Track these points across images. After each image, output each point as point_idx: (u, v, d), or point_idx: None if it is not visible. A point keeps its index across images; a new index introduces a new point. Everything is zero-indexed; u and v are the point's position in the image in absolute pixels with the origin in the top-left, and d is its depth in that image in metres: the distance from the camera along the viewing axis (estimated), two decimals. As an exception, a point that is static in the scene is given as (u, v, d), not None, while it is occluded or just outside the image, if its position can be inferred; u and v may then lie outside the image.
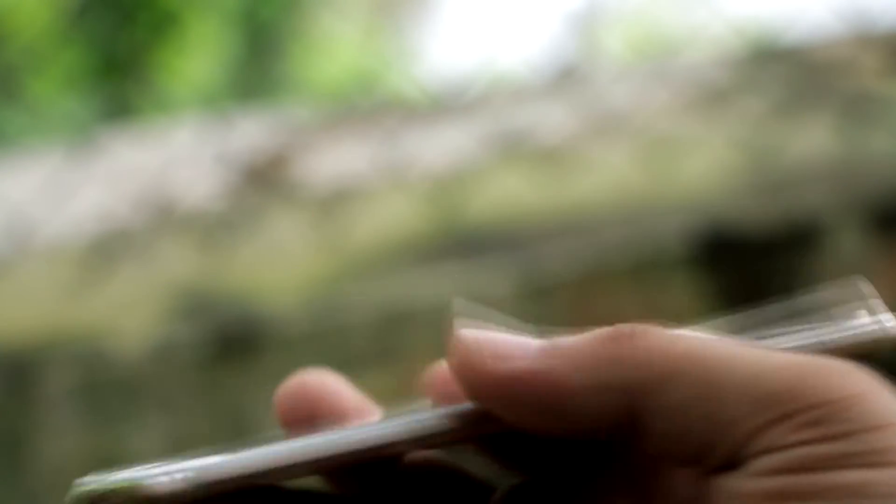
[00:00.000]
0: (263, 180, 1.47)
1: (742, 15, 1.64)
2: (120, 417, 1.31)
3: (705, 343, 0.33)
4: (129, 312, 1.34)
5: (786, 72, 1.48)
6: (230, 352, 1.31)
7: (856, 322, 0.36)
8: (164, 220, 1.45)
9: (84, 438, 1.29)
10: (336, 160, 1.48)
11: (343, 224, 1.37)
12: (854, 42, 1.50)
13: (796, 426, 0.32)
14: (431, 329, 1.14)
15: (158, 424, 1.30)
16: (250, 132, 1.57)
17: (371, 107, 1.65)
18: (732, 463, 0.32)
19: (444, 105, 1.60)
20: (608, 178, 1.37)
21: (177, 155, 1.56)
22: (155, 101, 2.30)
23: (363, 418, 0.38)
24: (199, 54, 2.62)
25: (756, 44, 1.58)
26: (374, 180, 1.43)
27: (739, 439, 0.32)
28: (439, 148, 1.47)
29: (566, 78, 1.66)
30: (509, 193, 1.37)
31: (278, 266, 1.37)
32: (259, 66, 2.71)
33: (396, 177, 1.44)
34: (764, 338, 0.36)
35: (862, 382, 0.32)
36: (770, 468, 0.32)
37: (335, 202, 1.41)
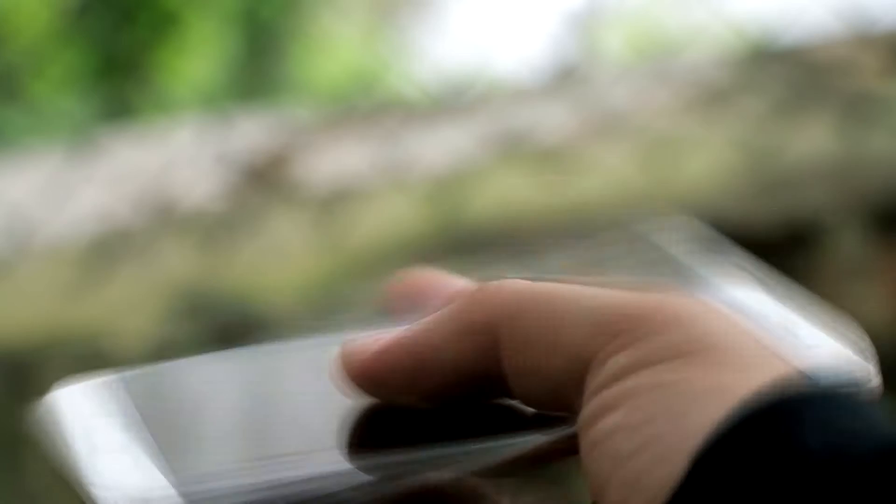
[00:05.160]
0: (263, 180, 1.47)
1: (742, 15, 1.64)
2: (120, 417, 1.31)
3: (555, 284, 0.35)
4: (129, 312, 1.34)
5: (786, 72, 1.48)
6: (230, 352, 1.30)
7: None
8: (164, 220, 1.45)
9: (84, 438, 1.29)
10: (336, 160, 1.48)
11: (343, 224, 1.37)
12: (854, 42, 1.50)
13: (627, 345, 0.33)
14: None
15: (158, 424, 1.30)
16: (250, 132, 1.57)
17: (371, 107, 1.65)
18: (576, 397, 0.33)
19: (444, 105, 1.60)
20: (608, 178, 1.37)
21: (177, 155, 1.56)
22: (155, 101, 2.30)
23: None
24: (199, 54, 2.62)
25: (756, 44, 1.58)
26: (374, 180, 1.43)
27: (578, 367, 0.33)
28: (439, 148, 1.47)
29: (566, 78, 1.66)
30: (509, 193, 1.37)
31: (278, 266, 1.37)
32: (259, 66, 2.71)
33: (396, 177, 1.44)
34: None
35: (691, 306, 0.33)
36: (597, 399, 0.33)
37: (335, 202, 1.41)
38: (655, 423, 0.32)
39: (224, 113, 1.79)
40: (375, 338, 0.35)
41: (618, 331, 0.33)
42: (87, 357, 1.32)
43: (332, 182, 1.44)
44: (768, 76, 1.48)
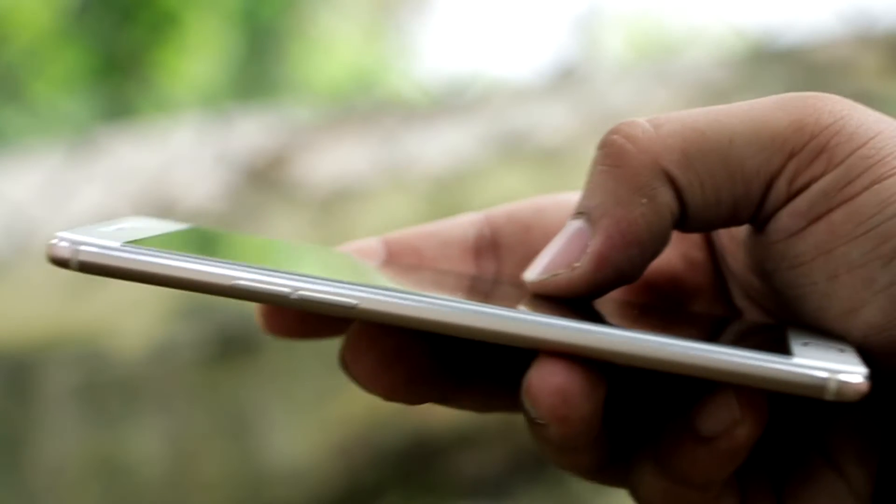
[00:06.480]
0: (263, 180, 1.47)
1: (742, 15, 1.64)
2: (120, 417, 1.31)
3: (698, 116, 0.36)
4: (129, 312, 1.34)
5: (786, 72, 1.48)
6: (230, 352, 1.31)
7: (804, 361, 0.33)
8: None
9: (84, 438, 1.29)
10: (336, 160, 1.48)
11: (343, 224, 1.37)
12: (854, 42, 1.50)
13: (804, 163, 0.35)
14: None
15: (158, 424, 1.30)
16: (250, 132, 1.57)
17: (371, 107, 1.65)
18: (764, 213, 0.36)
19: (444, 105, 1.60)
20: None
21: (177, 155, 1.56)
22: (155, 101, 2.30)
23: None
24: (199, 54, 2.62)
25: (756, 44, 1.58)
26: (374, 180, 1.43)
27: (761, 189, 0.35)
28: (439, 148, 1.47)
29: (566, 78, 1.66)
30: (509, 193, 1.37)
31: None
32: (259, 66, 2.71)
33: (396, 177, 1.44)
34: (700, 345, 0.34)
35: (842, 103, 0.36)
36: (796, 214, 0.35)
37: (335, 202, 1.41)
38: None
39: (224, 113, 1.79)
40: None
41: (793, 149, 0.35)
42: (87, 357, 1.32)
43: (332, 182, 1.44)
44: (768, 76, 1.48)
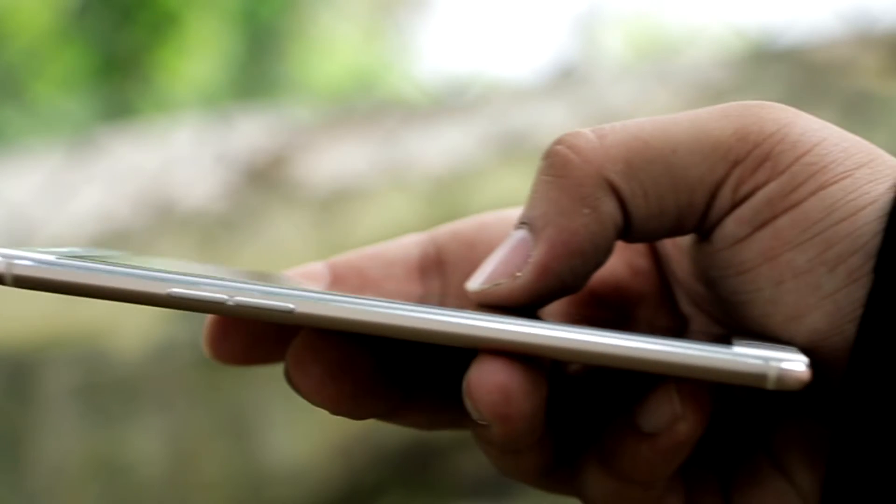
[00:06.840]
0: (263, 180, 1.47)
1: (742, 15, 1.64)
2: (120, 417, 1.31)
3: (643, 125, 0.36)
4: (129, 312, 1.34)
5: (786, 72, 1.48)
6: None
7: (745, 350, 0.33)
8: (164, 219, 1.45)
9: (84, 438, 1.29)
10: (336, 160, 1.48)
11: (343, 224, 1.37)
12: (854, 42, 1.50)
13: (748, 171, 0.35)
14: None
15: (158, 424, 1.30)
16: (250, 132, 1.57)
17: (371, 107, 1.65)
18: (709, 222, 0.36)
19: (444, 105, 1.60)
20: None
21: (177, 155, 1.56)
22: (155, 101, 2.31)
23: None
24: (199, 54, 2.62)
25: (756, 44, 1.58)
26: (374, 180, 1.43)
27: (705, 198, 0.35)
28: (439, 148, 1.47)
29: (566, 78, 1.66)
30: (509, 193, 1.37)
31: (278, 266, 1.37)
32: (259, 66, 2.71)
33: (396, 177, 1.44)
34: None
35: (785, 111, 0.36)
36: (741, 221, 0.35)
37: (335, 202, 1.41)
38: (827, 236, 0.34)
39: (224, 113, 1.79)
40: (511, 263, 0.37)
41: (737, 157, 0.35)
42: (87, 357, 1.32)
43: (332, 182, 1.44)
44: (768, 76, 1.48)
